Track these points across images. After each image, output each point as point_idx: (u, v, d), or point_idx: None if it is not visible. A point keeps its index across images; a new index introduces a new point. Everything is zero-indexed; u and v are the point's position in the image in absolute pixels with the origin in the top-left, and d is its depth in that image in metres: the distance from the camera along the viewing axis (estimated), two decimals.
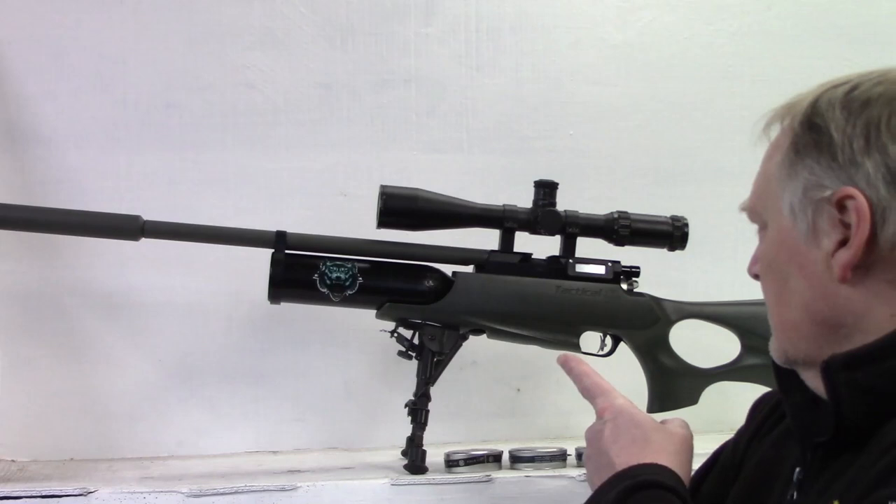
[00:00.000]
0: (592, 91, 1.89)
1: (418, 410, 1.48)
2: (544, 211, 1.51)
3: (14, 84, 1.68)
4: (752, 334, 1.55)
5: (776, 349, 0.91)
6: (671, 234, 1.53)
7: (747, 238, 0.98)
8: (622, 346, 1.57)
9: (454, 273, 1.52)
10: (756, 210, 0.92)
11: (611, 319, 1.54)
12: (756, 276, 0.93)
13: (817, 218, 0.84)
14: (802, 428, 0.90)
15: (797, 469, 0.89)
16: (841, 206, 0.82)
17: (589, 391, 1.06)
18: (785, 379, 0.93)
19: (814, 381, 0.87)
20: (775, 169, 0.88)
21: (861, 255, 0.81)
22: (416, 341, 1.50)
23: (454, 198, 1.49)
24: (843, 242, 0.82)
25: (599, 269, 1.54)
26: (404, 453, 1.49)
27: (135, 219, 1.42)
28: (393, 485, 1.39)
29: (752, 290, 0.99)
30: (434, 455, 1.46)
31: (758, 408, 1.08)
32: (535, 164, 1.76)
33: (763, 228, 0.91)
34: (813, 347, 0.86)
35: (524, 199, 1.53)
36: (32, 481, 1.43)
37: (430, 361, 1.49)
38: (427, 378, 1.49)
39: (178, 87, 1.74)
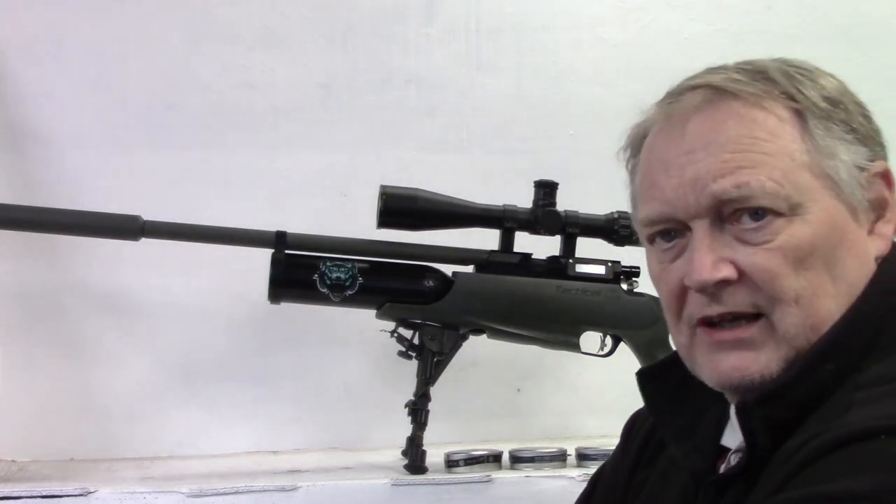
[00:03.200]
0: (592, 91, 1.89)
1: (418, 410, 1.48)
2: (544, 211, 1.51)
3: (14, 84, 1.68)
4: None
5: (781, 358, 0.79)
6: None
7: None
8: (622, 346, 1.57)
9: (454, 273, 1.52)
10: (779, 194, 0.79)
11: (611, 319, 1.54)
12: (722, 282, 0.79)
13: (868, 194, 0.82)
14: (688, 460, 0.86)
15: None
16: (887, 179, 0.83)
17: None
18: (663, 404, 0.90)
19: None
20: (802, 144, 0.80)
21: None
22: (416, 341, 1.50)
23: (454, 198, 1.49)
24: (879, 217, 0.83)
25: (599, 269, 1.54)
26: (404, 453, 1.49)
27: (135, 219, 1.42)
28: (393, 485, 1.39)
29: None
30: (434, 455, 1.46)
31: (632, 429, 1.02)
32: (535, 164, 1.76)
33: (780, 215, 0.79)
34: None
35: (524, 199, 1.53)
36: (32, 481, 1.43)
37: (430, 361, 1.49)
38: (427, 378, 1.49)
39: (178, 87, 1.74)
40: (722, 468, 0.83)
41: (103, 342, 1.70)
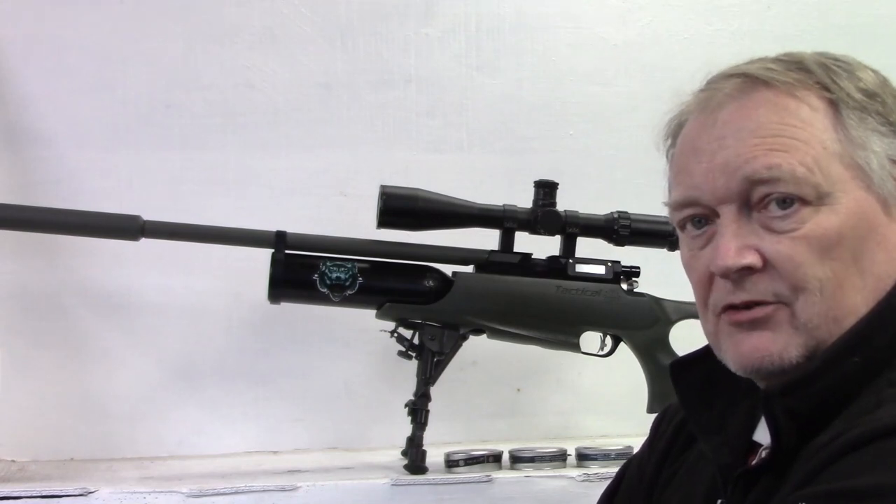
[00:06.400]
0: (592, 91, 1.89)
1: (418, 410, 1.48)
2: (544, 211, 1.51)
3: (14, 84, 1.68)
4: None
5: (800, 345, 0.79)
6: (671, 234, 1.53)
7: None
8: (622, 346, 1.57)
9: (454, 273, 1.52)
10: (808, 181, 0.79)
11: (611, 319, 1.54)
12: (747, 269, 0.80)
13: None
14: (718, 454, 0.86)
15: (719, 501, 0.85)
16: None
17: None
18: (694, 397, 0.90)
19: None
20: (834, 133, 0.80)
21: None
22: (416, 341, 1.50)
23: (454, 198, 1.49)
24: None
25: (599, 269, 1.54)
26: (404, 453, 1.49)
27: (135, 219, 1.42)
28: (393, 485, 1.39)
29: None
30: (434, 455, 1.46)
31: (660, 425, 1.02)
32: (535, 164, 1.76)
33: (808, 203, 0.79)
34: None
35: (524, 199, 1.53)
36: (32, 481, 1.43)
37: (430, 361, 1.49)
38: (427, 378, 1.49)
39: (178, 87, 1.74)
40: (753, 463, 0.83)
41: (103, 342, 1.70)
